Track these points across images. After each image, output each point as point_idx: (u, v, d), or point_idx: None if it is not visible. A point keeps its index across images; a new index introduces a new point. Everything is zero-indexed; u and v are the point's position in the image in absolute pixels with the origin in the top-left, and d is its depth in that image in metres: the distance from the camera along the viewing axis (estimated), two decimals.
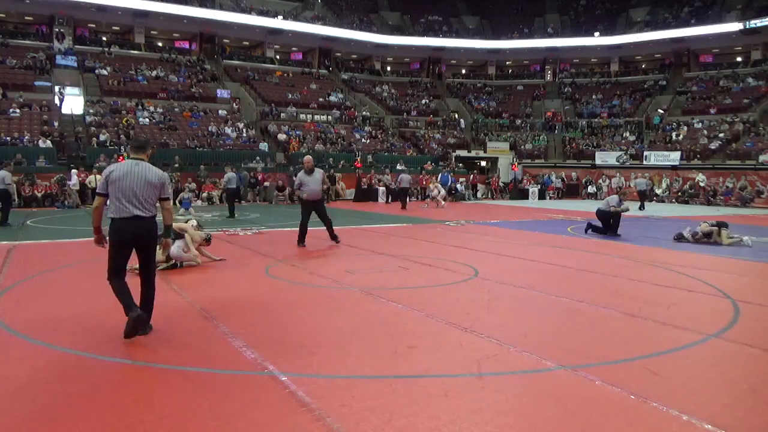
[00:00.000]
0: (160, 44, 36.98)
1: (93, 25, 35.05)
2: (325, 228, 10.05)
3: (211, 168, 23.64)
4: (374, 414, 3.06)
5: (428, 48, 42.48)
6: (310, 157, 10.31)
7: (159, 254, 7.35)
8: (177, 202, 17.07)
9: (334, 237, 10.09)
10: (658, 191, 27.64)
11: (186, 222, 8.24)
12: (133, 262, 4.66)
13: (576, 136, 36.41)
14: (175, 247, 7.45)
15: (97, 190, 4.55)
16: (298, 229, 9.95)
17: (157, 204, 4.56)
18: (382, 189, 25.04)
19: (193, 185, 21.39)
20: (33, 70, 28.73)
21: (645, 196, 21.71)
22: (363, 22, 42.40)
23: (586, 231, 12.28)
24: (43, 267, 7.28)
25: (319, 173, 9.91)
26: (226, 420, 3.00)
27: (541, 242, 10.93)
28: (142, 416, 3.03)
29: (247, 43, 39.71)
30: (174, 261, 7.41)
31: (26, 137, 22.48)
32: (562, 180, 30.73)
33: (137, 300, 4.41)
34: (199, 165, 23.65)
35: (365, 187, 25.17)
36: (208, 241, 8.20)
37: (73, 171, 19.61)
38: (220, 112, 30.55)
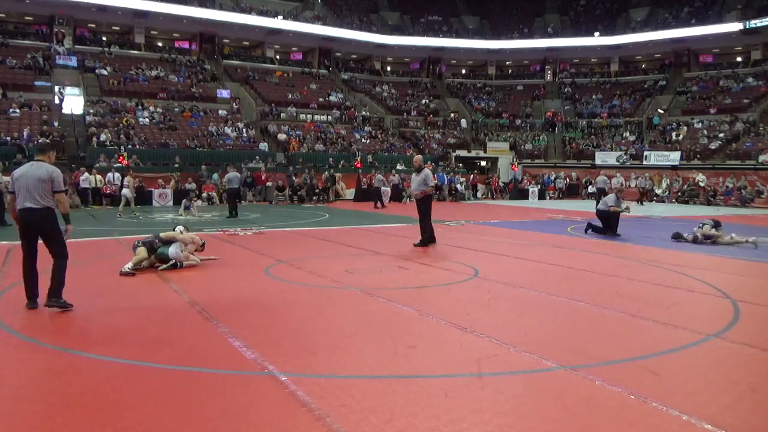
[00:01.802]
0: (160, 44, 36.98)
1: (93, 25, 35.05)
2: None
3: (212, 168, 23.64)
4: (374, 414, 3.06)
5: (428, 48, 42.49)
6: (420, 156, 10.47)
7: (143, 254, 7.38)
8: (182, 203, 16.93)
9: (423, 242, 9.84)
10: (658, 191, 27.64)
11: (174, 228, 8.18)
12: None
13: (576, 136, 36.41)
14: (174, 247, 7.48)
15: (9, 189, 5.54)
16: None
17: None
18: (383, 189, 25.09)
19: (194, 185, 21.38)
20: (33, 70, 28.73)
21: (604, 195, 21.76)
22: (363, 22, 42.40)
23: (586, 231, 12.29)
24: (43, 267, 7.27)
25: (423, 173, 9.87)
26: (226, 420, 3.00)
27: (541, 242, 10.93)
28: (142, 416, 3.03)
29: (247, 43, 39.71)
30: (174, 261, 7.42)
31: (25, 135, 22.46)
32: (563, 180, 30.70)
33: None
34: (200, 165, 23.66)
35: (365, 187, 25.18)
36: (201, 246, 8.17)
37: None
38: (220, 112, 30.55)
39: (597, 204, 20.75)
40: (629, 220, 14.76)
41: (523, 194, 28.64)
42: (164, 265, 7.34)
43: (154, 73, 31.99)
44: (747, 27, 35.30)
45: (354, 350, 4.17)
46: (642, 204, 24.28)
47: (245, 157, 25.63)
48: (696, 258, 9.08)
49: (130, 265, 7.17)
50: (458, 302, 5.72)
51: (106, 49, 32.95)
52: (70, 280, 6.80)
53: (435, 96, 41.26)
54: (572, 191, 30.54)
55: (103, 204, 19.71)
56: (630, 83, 40.59)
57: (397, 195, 24.59)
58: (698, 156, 30.12)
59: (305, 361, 3.92)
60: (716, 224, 11.07)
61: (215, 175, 22.29)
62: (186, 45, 38.02)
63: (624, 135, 35.27)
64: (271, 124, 30.92)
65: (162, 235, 7.64)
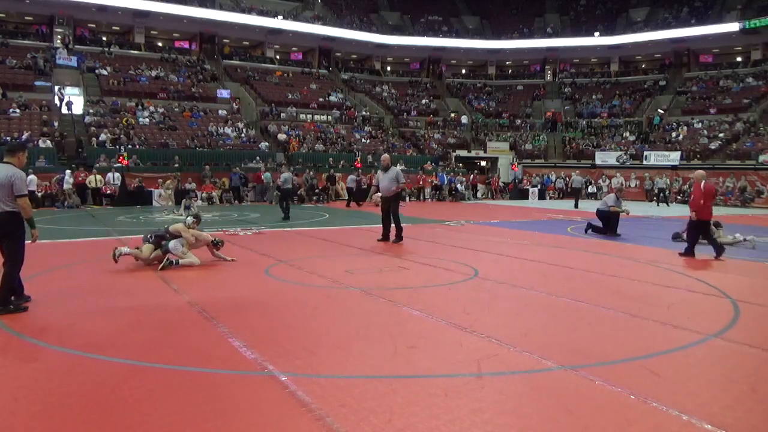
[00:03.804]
0: (160, 44, 36.96)
1: (93, 25, 35.04)
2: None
3: (213, 168, 23.61)
4: (374, 414, 3.06)
5: (428, 48, 42.48)
6: (387, 155, 10.80)
7: (147, 252, 7.44)
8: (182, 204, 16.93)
9: (397, 238, 10.42)
10: None
11: (185, 219, 8.25)
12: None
13: (576, 136, 36.41)
14: (175, 242, 7.50)
15: None
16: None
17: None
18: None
19: (194, 185, 21.36)
20: (33, 70, 28.71)
21: (579, 194, 21.94)
22: (363, 22, 42.39)
23: (586, 231, 12.29)
24: (43, 267, 7.28)
25: (393, 171, 10.29)
26: (226, 420, 3.00)
27: (541, 242, 10.93)
28: (142, 416, 3.03)
29: (247, 43, 39.70)
30: (169, 259, 7.40)
31: (24, 135, 22.45)
32: (564, 181, 30.69)
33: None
34: (200, 165, 23.62)
35: (365, 187, 25.13)
36: (216, 245, 8.15)
37: (67, 171, 19.43)
38: (220, 112, 30.53)
39: (575, 204, 20.98)
40: (629, 220, 14.76)
41: (523, 194, 28.64)
42: (161, 264, 7.34)
43: (154, 73, 31.98)
44: (747, 27, 35.28)
45: (354, 350, 4.17)
46: (668, 205, 23.97)
47: (245, 157, 25.61)
48: (696, 258, 9.07)
49: (127, 248, 7.36)
50: (458, 302, 5.72)
51: (106, 49, 32.93)
52: (70, 280, 6.82)
53: (435, 96, 41.25)
54: (572, 191, 30.50)
55: (103, 204, 19.72)
56: (630, 83, 40.58)
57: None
58: (698, 156, 30.11)
59: (305, 361, 3.92)
60: (716, 224, 11.01)
61: (267, 174, 22.48)
62: (186, 45, 38.00)
63: (624, 135, 35.27)
64: (271, 124, 30.92)
65: (171, 228, 7.70)
